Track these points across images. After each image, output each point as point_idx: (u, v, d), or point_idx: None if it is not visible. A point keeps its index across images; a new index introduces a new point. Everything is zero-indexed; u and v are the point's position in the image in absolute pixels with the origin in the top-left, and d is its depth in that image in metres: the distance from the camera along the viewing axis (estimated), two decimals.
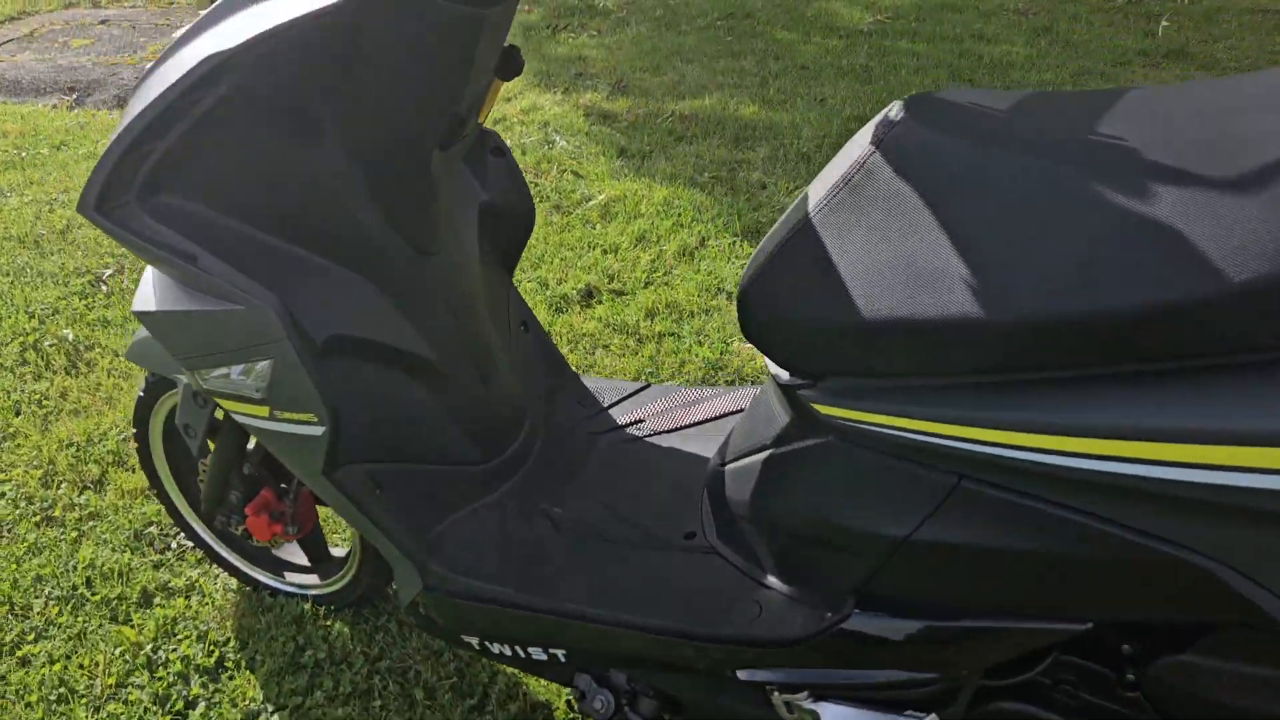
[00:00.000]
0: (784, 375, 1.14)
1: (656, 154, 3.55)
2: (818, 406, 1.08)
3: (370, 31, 1.07)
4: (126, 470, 2.15)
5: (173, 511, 1.83)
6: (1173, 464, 0.86)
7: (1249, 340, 0.83)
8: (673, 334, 2.52)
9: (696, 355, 2.41)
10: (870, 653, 1.09)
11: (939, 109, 1.05)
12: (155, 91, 1.13)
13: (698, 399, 1.61)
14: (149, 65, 1.23)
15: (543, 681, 1.63)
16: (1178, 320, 0.84)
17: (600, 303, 2.67)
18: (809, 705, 1.13)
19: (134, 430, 1.75)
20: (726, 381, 2.34)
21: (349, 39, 1.08)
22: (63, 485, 2.11)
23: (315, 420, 1.25)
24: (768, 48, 4.60)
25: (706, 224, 3.02)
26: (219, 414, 1.55)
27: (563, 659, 1.32)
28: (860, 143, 1.07)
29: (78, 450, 2.20)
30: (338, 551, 1.81)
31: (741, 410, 1.56)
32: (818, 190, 1.09)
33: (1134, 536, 0.90)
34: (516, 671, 1.64)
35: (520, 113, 3.96)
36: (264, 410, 1.28)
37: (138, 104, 1.16)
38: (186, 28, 1.18)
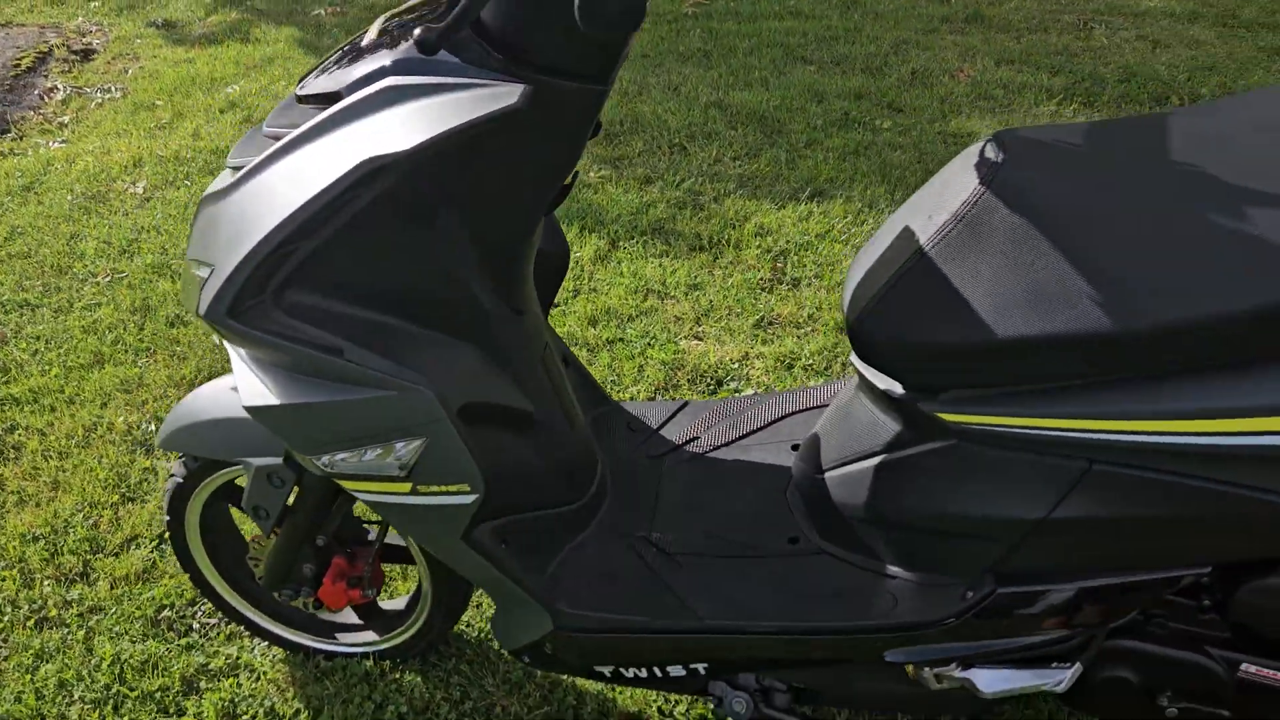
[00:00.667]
0: (897, 389, 1.29)
1: None
2: (943, 415, 1.24)
3: (527, 125, 1.13)
4: (109, 556, 2.06)
5: (209, 593, 1.79)
6: None
7: None
8: (620, 339, 2.62)
9: (652, 358, 2.53)
10: (1016, 622, 1.27)
11: (1030, 147, 1.22)
12: (300, 193, 1.14)
13: (737, 409, 1.74)
14: (248, 167, 1.22)
15: (631, 694, 1.73)
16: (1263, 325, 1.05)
17: None
18: (959, 674, 1.30)
19: (167, 517, 1.70)
20: (688, 380, 2.47)
21: (512, 136, 1.13)
22: (46, 583, 2.00)
23: (467, 489, 1.29)
24: None
25: (610, 225, 3.12)
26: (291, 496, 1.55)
27: (703, 672, 1.43)
28: (964, 181, 1.22)
29: (46, 544, 2.08)
30: (390, 605, 1.83)
31: (783, 417, 1.70)
32: (924, 225, 1.24)
33: (1253, 493, 1.11)
34: (604, 689, 1.73)
35: None
36: (405, 487, 1.31)
37: (272, 208, 1.16)
38: (300, 129, 1.18)
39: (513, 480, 1.39)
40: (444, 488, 1.30)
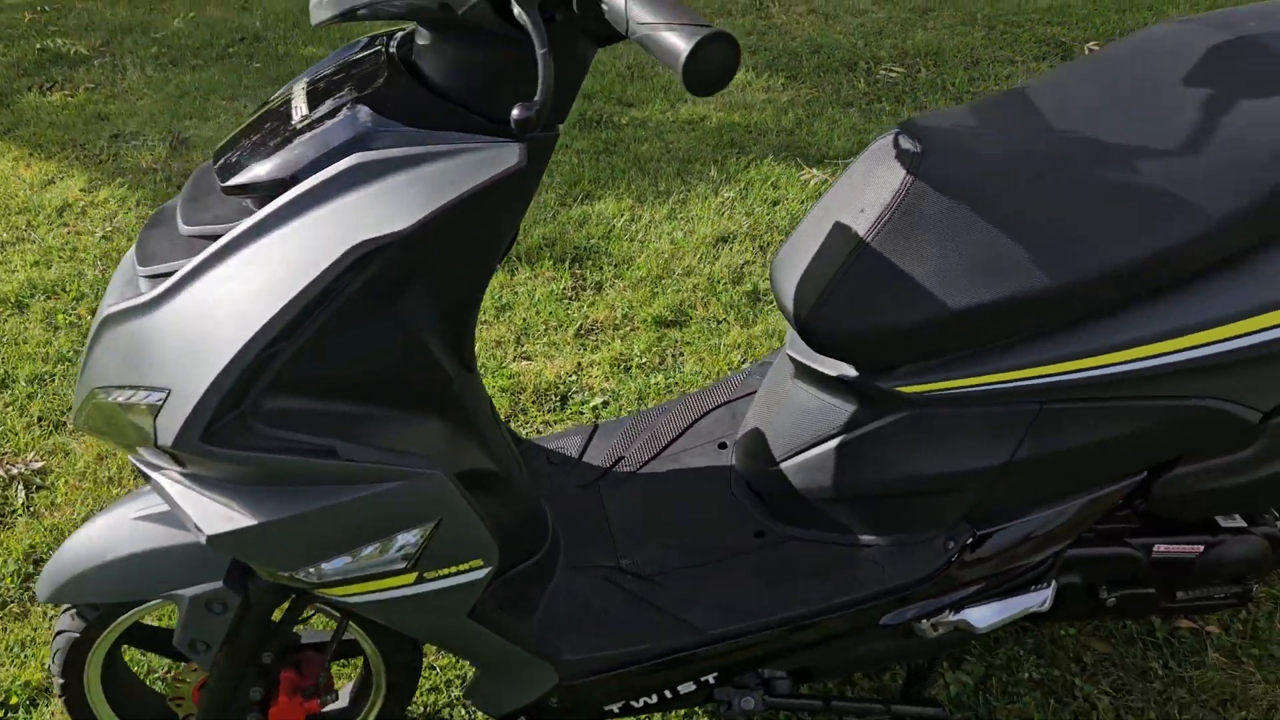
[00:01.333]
0: (850, 372, 1.38)
1: None
2: (901, 388, 1.34)
3: (520, 181, 1.09)
4: None
5: None
6: (1200, 345, 1.26)
7: (1223, 254, 1.25)
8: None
9: (490, 387, 2.49)
10: (997, 559, 1.39)
11: (938, 133, 1.34)
12: (274, 293, 1.04)
13: (649, 421, 1.76)
14: (182, 273, 1.09)
15: None
16: (1181, 253, 1.23)
17: None
18: (953, 618, 1.41)
19: (60, 680, 1.48)
20: (533, 401, 2.45)
21: (507, 194, 1.08)
22: None
23: (480, 563, 1.24)
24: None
25: None
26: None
27: (713, 681, 1.46)
28: (887, 173, 1.32)
29: None
30: (332, 706, 1.69)
31: (697, 420, 1.75)
32: (857, 219, 1.33)
33: (1178, 401, 1.30)
34: None
35: (81, 194, 3.49)
36: (409, 578, 1.23)
37: (240, 314, 1.05)
38: (246, 223, 1.07)
39: (501, 541, 1.35)
40: (455, 568, 1.23)
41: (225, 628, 1.38)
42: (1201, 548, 1.52)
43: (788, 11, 4.85)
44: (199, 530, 1.18)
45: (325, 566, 1.21)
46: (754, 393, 1.73)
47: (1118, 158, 1.27)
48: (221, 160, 1.16)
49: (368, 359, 1.14)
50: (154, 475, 1.23)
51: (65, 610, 1.46)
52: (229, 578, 1.35)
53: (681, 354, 2.60)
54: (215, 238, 1.10)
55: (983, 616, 1.41)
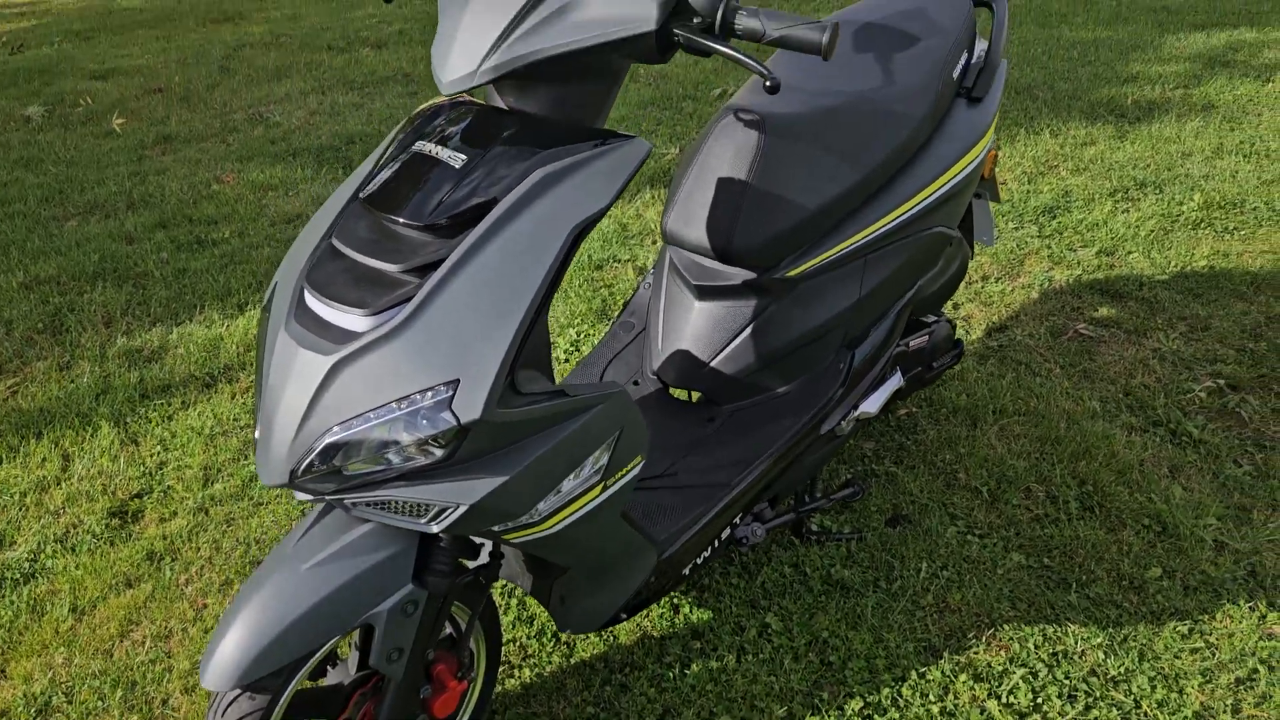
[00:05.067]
0: (751, 275, 1.99)
1: None
2: (788, 274, 1.99)
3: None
4: None
5: None
6: (927, 196, 2.08)
7: (924, 138, 2.09)
8: None
9: None
10: (868, 364, 2.08)
11: (761, 108, 1.98)
12: (523, 279, 1.31)
13: None
14: (426, 290, 1.32)
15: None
16: (906, 144, 2.05)
17: None
18: (856, 414, 2.07)
19: None
20: None
21: None
22: None
23: (639, 459, 1.60)
24: None
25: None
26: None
27: (737, 522, 1.94)
28: (744, 138, 1.94)
29: None
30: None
31: (599, 379, 2.19)
32: (735, 170, 1.93)
33: (924, 231, 2.11)
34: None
35: None
36: (598, 489, 1.54)
37: (497, 303, 1.30)
38: (472, 235, 1.32)
39: None
40: (626, 468, 1.57)
41: (414, 627, 1.55)
42: (926, 337, 2.38)
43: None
44: (452, 509, 1.38)
45: (541, 505, 1.48)
46: (625, 346, 2.23)
47: (859, 98, 2.04)
48: (393, 211, 1.39)
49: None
50: (368, 494, 1.40)
51: (228, 701, 1.48)
52: (415, 577, 1.53)
53: None
54: (427, 266, 1.35)
55: (873, 402, 2.10)
